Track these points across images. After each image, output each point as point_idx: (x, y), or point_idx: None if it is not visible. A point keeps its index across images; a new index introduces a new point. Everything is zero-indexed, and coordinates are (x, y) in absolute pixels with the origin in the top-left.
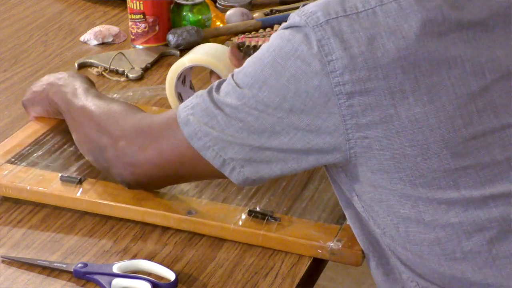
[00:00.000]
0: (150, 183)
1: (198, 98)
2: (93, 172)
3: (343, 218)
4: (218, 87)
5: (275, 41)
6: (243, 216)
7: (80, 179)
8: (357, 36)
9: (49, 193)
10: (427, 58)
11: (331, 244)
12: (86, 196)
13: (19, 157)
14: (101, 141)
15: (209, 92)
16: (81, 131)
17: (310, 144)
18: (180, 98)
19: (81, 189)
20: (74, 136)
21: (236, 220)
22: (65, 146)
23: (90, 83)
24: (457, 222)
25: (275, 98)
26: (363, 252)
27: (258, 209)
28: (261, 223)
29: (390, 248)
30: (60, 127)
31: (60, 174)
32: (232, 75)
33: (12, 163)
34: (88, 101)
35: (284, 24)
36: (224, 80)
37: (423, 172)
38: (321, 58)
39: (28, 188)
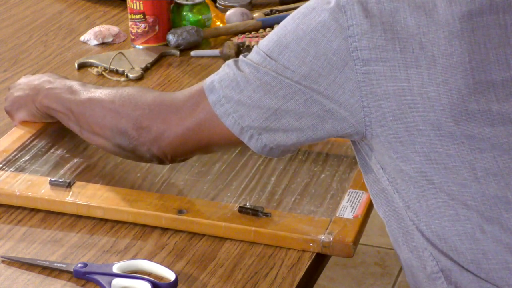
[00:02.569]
0: (178, 155)
1: (224, 66)
2: (82, 175)
3: (333, 211)
4: (245, 55)
5: (301, 9)
6: (234, 213)
7: (70, 182)
8: (380, 7)
9: (39, 198)
10: (448, 38)
11: (323, 237)
12: (77, 199)
13: (6, 163)
14: (120, 124)
15: (236, 60)
16: (92, 123)
17: (325, 108)
18: None
19: (71, 193)
20: (80, 132)
21: (227, 217)
22: (52, 150)
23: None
24: (473, 206)
25: (294, 61)
26: (354, 243)
27: (248, 205)
28: (252, 219)
29: (414, 223)
30: (46, 131)
31: (49, 179)
32: (258, 43)
33: (0, 169)
34: (93, 93)
35: None
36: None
37: (437, 148)
38: (343, 22)
39: (18, 193)
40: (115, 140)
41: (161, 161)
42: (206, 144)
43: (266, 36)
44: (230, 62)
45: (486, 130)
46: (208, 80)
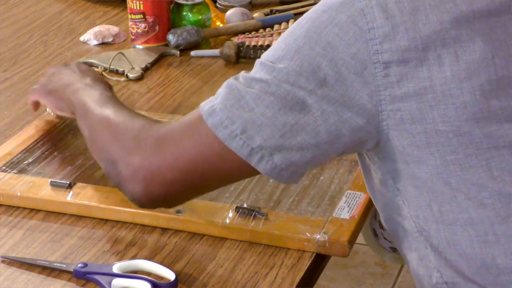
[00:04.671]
0: (167, 196)
1: (222, 87)
2: (83, 176)
3: (330, 211)
4: (246, 72)
5: (308, 14)
6: (231, 213)
7: (70, 183)
8: (400, 7)
9: (40, 198)
10: (469, 35)
11: (318, 237)
12: (76, 200)
13: (10, 165)
14: (113, 152)
15: (236, 78)
16: (95, 138)
17: (342, 118)
18: (375, 234)
19: (71, 193)
20: (87, 140)
21: (224, 217)
22: (55, 153)
23: (111, 90)
24: (490, 204)
25: (308, 67)
26: (349, 243)
27: (245, 205)
28: (249, 219)
29: (423, 233)
30: (49, 135)
31: (50, 180)
32: (260, 57)
33: (3, 171)
34: (107, 109)
35: None
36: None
37: (455, 148)
38: (362, 25)
39: (19, 194)
40: (106, 165)
41: (142, 204)
42: (204, 179)
43: (269, 48)
44: (231, 80)
45: (505, 126)
46: (205, 105)
